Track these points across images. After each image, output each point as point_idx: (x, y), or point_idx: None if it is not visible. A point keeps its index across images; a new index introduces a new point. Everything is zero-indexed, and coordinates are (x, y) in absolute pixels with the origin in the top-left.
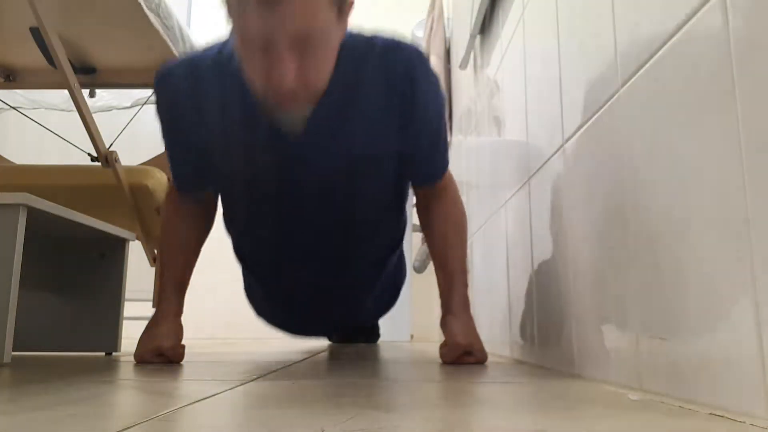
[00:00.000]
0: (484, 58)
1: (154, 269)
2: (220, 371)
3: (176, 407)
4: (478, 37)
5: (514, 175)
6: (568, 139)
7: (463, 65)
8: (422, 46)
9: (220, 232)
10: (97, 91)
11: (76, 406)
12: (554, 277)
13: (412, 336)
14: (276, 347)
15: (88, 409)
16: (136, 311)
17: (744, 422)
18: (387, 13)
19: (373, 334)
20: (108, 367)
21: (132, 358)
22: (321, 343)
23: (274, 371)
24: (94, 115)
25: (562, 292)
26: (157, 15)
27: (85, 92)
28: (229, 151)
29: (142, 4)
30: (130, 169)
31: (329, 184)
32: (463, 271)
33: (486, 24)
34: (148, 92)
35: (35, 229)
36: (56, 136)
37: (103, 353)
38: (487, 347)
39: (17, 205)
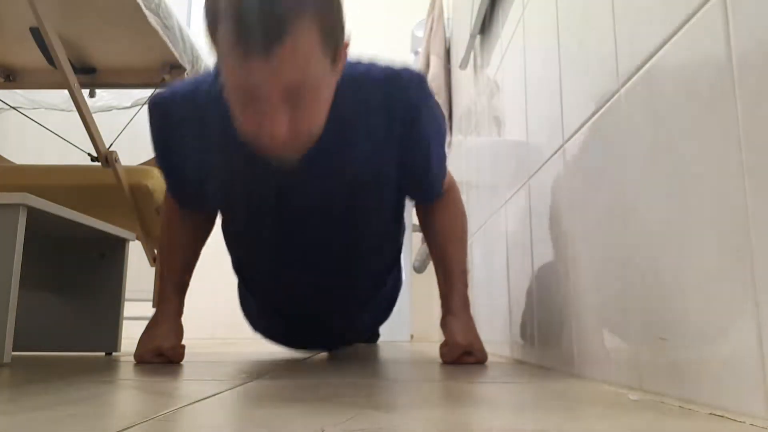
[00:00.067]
0: (484, 58)
1: (154, 269)
2: (220, 371)
3: (176, 407)
4: (478, 37)
5: (514, 175)
6: (568, 139)
7: (463, 65)
8: (422, 46)
9: (220, 232)
10: (97, 91)
11: (76, 406)
12: (554, 277)
13: (412, 336)
14: (276, 347)
15: (88, 409)
16: (136, 311)
17: (744, 422)
18: (387, 13)
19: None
20: (108, 367)
21: (132, 358)
22: None
23: (274, 371)
24: (94, 115)
25: (562, 291)
26: (157, 15)
27: (85, 92)
28: (225, 181)
29: (141, 4)
30: (130, 169)
31: (328, 211)
32: (463, 271)
33: (486, 24)
34: (148, 92)
35: (35, 229)
36: (56, 136)
37: (103, 353)
38: (487, 347)
39: (17, 205)
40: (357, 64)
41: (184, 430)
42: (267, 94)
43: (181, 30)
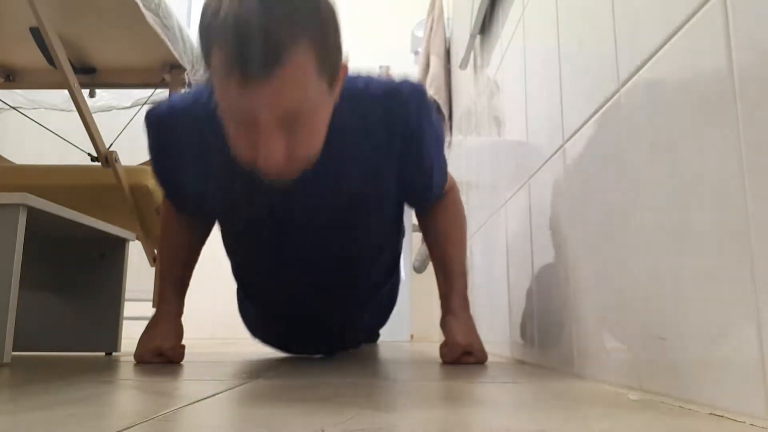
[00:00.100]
0: (484, 58)
1: (154, 269)
2: (220, 371)
3: (176, 407)
4: (478, 37)
5: (514, 175)
6: (568, 139)
7: (463, 65)
8: (422, 46)
9: (220, 233)
10: (97, 91)
11: (76, 406)
12: (554, 277)
13: (412, 336)
14: None
15: (88, 409)
16: (136, 311)
17: (744, 422)
18: (387, 13)
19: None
20: (108, 367)
21: (132, 358)
22: None
23: (274, 371)
24: (94, 115)
25: (562, 291)
26: (157, 15)
27: (85, 92)
28: (221, 194)
29: (141, 4)
30: (130, 169)
31: (326, 225)
32: (463, 272)
33: (486, 24)
34: (148, 92)
35: (35, 229)
36: (56, 136)
37: (103, 353)
38: (487, 347)
39: (17, 205)
40: (356, 79)
41: (184, 430)
42: (263, 121)
43: (181, 30)
